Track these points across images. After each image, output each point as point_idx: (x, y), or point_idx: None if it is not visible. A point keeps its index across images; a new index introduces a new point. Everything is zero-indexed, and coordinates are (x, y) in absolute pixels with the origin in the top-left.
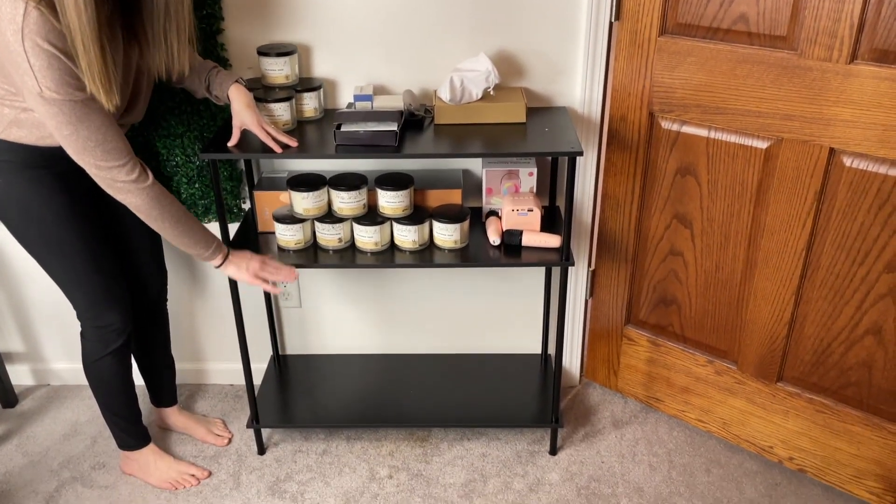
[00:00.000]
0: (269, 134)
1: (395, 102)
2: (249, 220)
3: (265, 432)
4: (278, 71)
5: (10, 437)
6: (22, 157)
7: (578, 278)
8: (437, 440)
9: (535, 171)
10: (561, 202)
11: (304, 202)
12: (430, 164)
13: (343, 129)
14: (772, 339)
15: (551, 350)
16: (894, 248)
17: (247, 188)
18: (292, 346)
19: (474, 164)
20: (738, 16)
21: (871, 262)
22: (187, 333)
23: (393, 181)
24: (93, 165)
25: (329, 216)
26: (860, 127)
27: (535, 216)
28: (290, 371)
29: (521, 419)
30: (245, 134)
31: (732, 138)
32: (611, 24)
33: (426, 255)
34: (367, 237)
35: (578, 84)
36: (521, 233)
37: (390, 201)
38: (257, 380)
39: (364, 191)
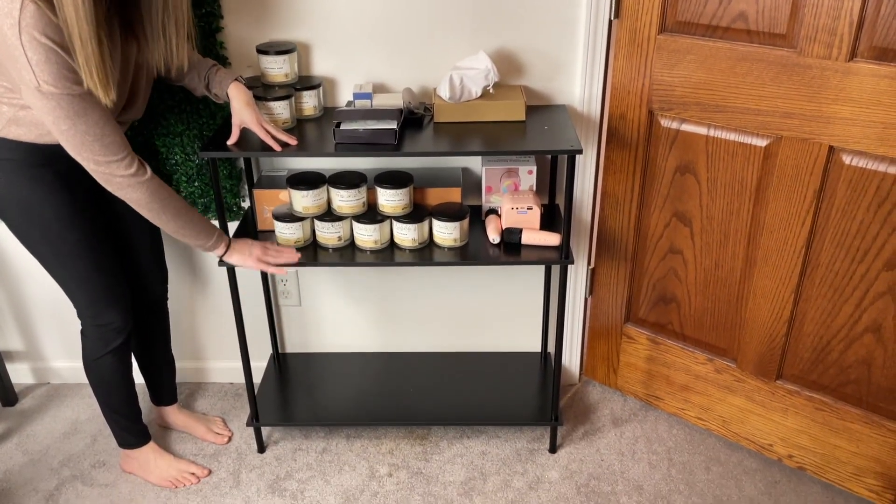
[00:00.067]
0: (268, 132)
1: (395, 101)
2: (249, 219)
3: (265, 430)
4: (278, 69)
5: (11, 435)
6: (22, 156)
7: (578, 276)
8: (437, 438)
9: (534, 169)
10: (560, 200)
11: (303, 200)
12: (429, 163)
13: (342, 127)
14: (771, 336)
15: (551, 348)
16: (893, 245)
17: (246, 186)
18: (292, 345)
19: (474, 163)
20: (737, 14)
21: (871, 259)
22: (187, 332)
23: (392, 179)
24: (91, 161)
25: (329, 214)
26: (859, 125)
27: (535, 214)
28: (290, 369)
29: (521, 417)
30: (244, 132)
31: (732, 136)
32: (610, 21)
33: (426, 253)
34: (367, 235)
35: (578, 82)
36: (520, 231)
37: (390, 199)
38: (257, 378)
39: (363, 189)
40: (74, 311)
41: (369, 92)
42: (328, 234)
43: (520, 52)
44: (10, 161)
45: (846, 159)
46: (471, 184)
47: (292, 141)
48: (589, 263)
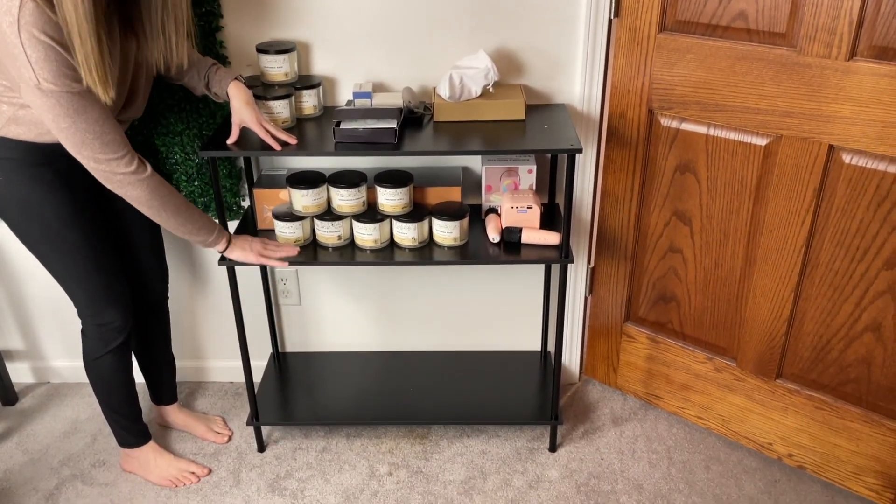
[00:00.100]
0: (268, 131)
1: (395, 100)
2: (249, 218)
3: (265, 430)
4: (277, 68)
5: (11, 434)
6: (22, 155)
7: (578, 275)
8: (437, 437)
9: (534, 168)
10: (560, 199)
11: (303, 200)
12: (429, 162)
13: (342, 126)
14: (771, 335)
15: (551, 347)
16: (893, 244)
17: (246, 186)
18: (292, 344)
19: (474, 162)
20: (737, 13)
21: (871, 258)
22: (187, 331)
23: (392, 178)
24: (91, 159)
25: (328, 214)
26: (859, 124)
27: (535, 213)
28: (290, 368)
29: (521, 416)
30: (244, 131)
31: (732, 135)
32: (610, 20)
33: (425, 252)
34: (367, 234)
35: (578, 81)
36: (520, 230)
37: (390, 199)
38: (257, 377)
39: (363, 188)
40: (74, 310)
41: (369, 91)
42: (328, 233)
43: (520, 51)
44: (10, 160)
45: (846, 158)
46: (471, 183)
47: (292, 140)
48: (589, 262)
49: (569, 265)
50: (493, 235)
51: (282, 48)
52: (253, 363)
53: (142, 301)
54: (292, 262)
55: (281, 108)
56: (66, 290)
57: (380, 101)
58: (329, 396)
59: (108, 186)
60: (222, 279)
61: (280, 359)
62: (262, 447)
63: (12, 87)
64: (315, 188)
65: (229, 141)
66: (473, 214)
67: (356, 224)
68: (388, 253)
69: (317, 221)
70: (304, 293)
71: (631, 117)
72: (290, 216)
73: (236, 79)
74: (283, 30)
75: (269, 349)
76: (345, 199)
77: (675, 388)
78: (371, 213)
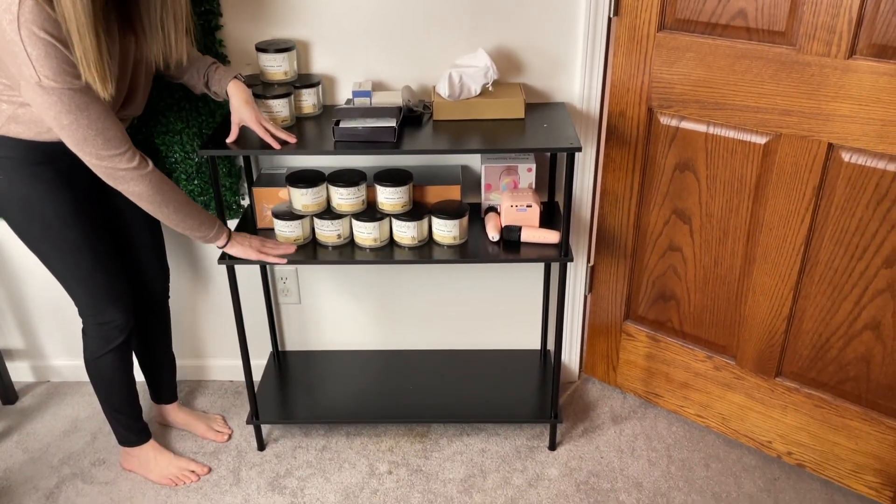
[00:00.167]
0: (267, 130)
1: (394, 98)
2: (248, 217)
3: (265, 428)
4: (277, 67)
5: (11, 433)
6: (22, 154)
7: (577, 274)
8: (437, 436)
9: (533, 166)
10: (560, 198)
11: (303, 198)
12: (428, 161)
13: (342, 125)
14: (770, 334)
15: (550, 346)
16: (893, 243)
17: (246, 184)
18: (292, 343)
19: (473, 160)
20: (736, 11)
21: (870, 257)
22: (188, 330)
23: (392, 177)
24: (93, 155)
25: (328, 212)
26: (859, 122)
27: (534, 212)
28: (290, 367)
29: (521, 415)
30: (244, 130)
31: (731, 134)
32: (609, 19)
33: (425, 251)
34: (366, 233)
35: (577, 80)
36: (519, 229)
37: (389, 197)
38: (257, 376)
39: (363, 187)
40: (74, 309)
41: (368, 90)
42: (328, 232)
43: (519, 49)
44: (10, 159)
45: (845, 156)
46: (470, 181)
47: (291, 139)
48: (588, 261)
49: (568, 264)
50: (493, 234)
51: (281, 47)
52: (253, 362)
53: (142, 300)
54: (292, 260)
55: (280, 106)
56: (66, 289)
57: (379, 99)
58: (329, 395)
59: (111, 183)
60: (222, 278)
61: (280, 357)
62: (261, 446)
63: (12, 85)
64: (314, 187)
65: (229, 140)
66: (473, 213)
67: (356, 223)
68: (387, 252)
69: (316, 220)
70: (303, 292)
71: (630, 116)
72: (289, 215)
73: (236, 77)
74: (282, 28)
75: (268, 348)
76: (344, 198)
77: (674, 386)
78: (370, 212)
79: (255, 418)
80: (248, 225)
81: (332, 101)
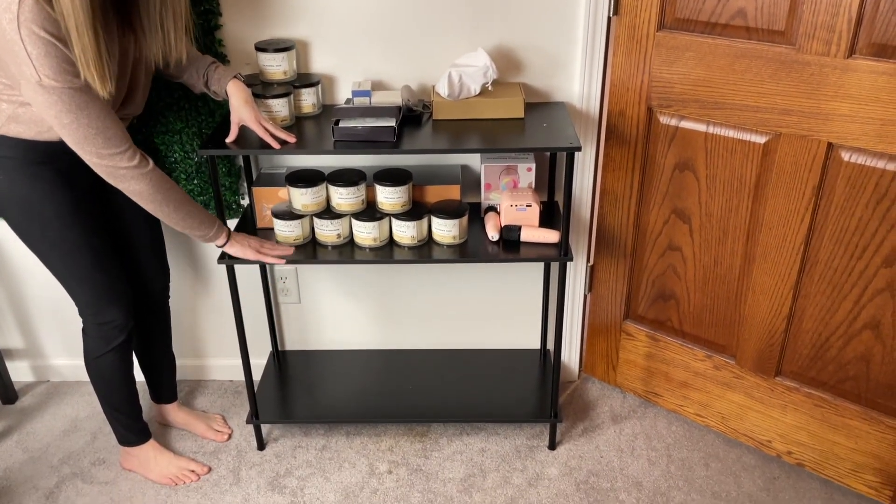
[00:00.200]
0: (267, 130)
1: (394, 98)
2: (248, 217)
3: (265, 428)
4: (276, 67)
5: (10, 433)
6: (22, 153)
7: (577, 273)
8: (437, 435)
9: (533, 166)
10: (559, 197)
11: (302, 198)
12: (428, 160)
13: (341, 124)
14: (770, 333)
15: (550, 345)
16: (892, 242)
17: (245, 184)
18: (291, 342)
19: (473, 160)
20: (736, 10)
21: (870, 256)
22: (187, 329)
23: (391, 177)
24: (94, 154)
25: (328, 212)
26: (858, 121)
27: (534, 211)
28: (290, 367)
29: (520, 414)
30: (243, 130)
31: (731, 133)
32: (609, 18)
33: (425, 250)
34: (366, 233)
35: (577, 79)
36: (519, 228)
37: (389, 197)
38: (257, 376)
39: (362, 186)
40: (74, 308)
41: (368, 89)
42: (327, 231)
43: (519, 49)
44: (11, 159)
45: (845, 156)
46: (470, 181)
47: (291, 139)
48: (588, 260)
49: (568, 263)
50: (493, 234)
51: (281, 46)
52: (253, 361)
53: (142, 300)
54: (292, 260)
55: (280, 106)
56: (66, 289)
57: (379, 99)
58: (329, 394)
59: (111, 182)
60: (222, 278)
61: (280, 357)
62: (261, 445)
63: (12, 84)
64: (314, 186)
65: (228, 139)
66: (472, 213)
67: (355, 222)
68: (387, 251)
69: (316, 220)
70: (303, 292)
71: (630, 115)
72: (289, 215)
73: (235, 77)
74: (281, 28)
75: (268, 347)
76: (344, 198)
77: (674, 385)
78: (370, 212)
79: (254, 418)
80: (248, 224)
81: (331, 100)
